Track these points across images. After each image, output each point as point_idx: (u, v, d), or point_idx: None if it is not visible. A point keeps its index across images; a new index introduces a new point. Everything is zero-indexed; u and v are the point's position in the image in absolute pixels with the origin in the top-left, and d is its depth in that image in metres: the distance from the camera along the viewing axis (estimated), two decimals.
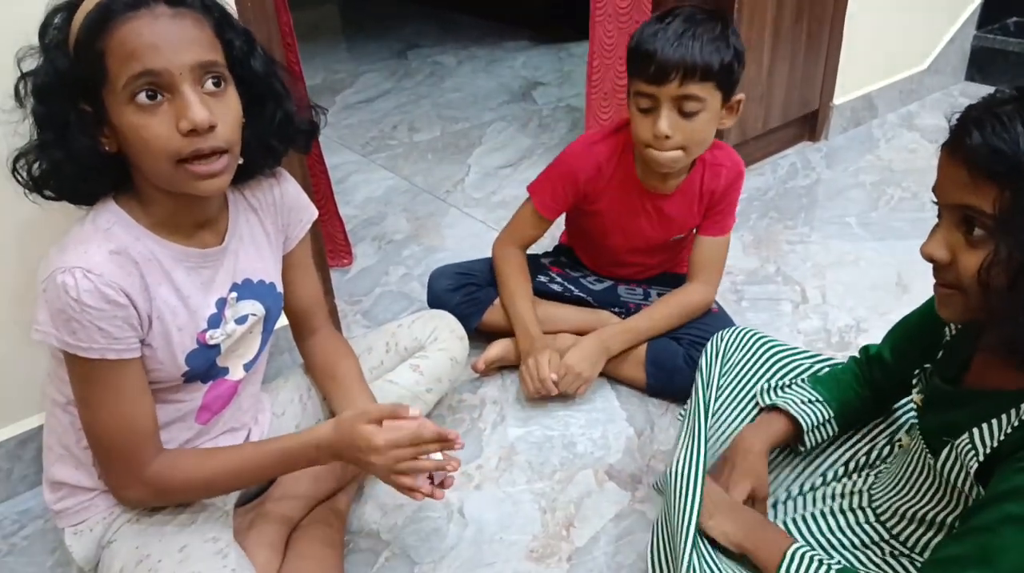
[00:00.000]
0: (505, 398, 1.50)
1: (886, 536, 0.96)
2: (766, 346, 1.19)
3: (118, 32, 0.81)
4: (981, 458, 0.79)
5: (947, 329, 0.94)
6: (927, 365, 0.95)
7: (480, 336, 1.55)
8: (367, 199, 2.30)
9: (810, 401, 1.07)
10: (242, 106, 0.92)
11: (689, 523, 0.89)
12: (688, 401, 1.11)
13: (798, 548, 0.89)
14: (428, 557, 1.18)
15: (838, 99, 2.44)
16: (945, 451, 0.84)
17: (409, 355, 1.32)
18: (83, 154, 0.86)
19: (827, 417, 1.06)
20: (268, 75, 0.95)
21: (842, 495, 1.02)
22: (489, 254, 1.60)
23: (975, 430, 0.80)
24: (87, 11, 0.82)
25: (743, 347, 1.18)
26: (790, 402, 1.07)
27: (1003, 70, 2.80)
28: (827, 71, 2.35)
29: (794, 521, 1.02)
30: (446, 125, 2.79)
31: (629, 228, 1.47)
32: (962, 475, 0.82)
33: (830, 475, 1.08)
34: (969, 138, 0.73)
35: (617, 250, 1.53)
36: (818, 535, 1.00)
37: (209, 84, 0.85)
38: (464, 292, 1.55)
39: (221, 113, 0.86)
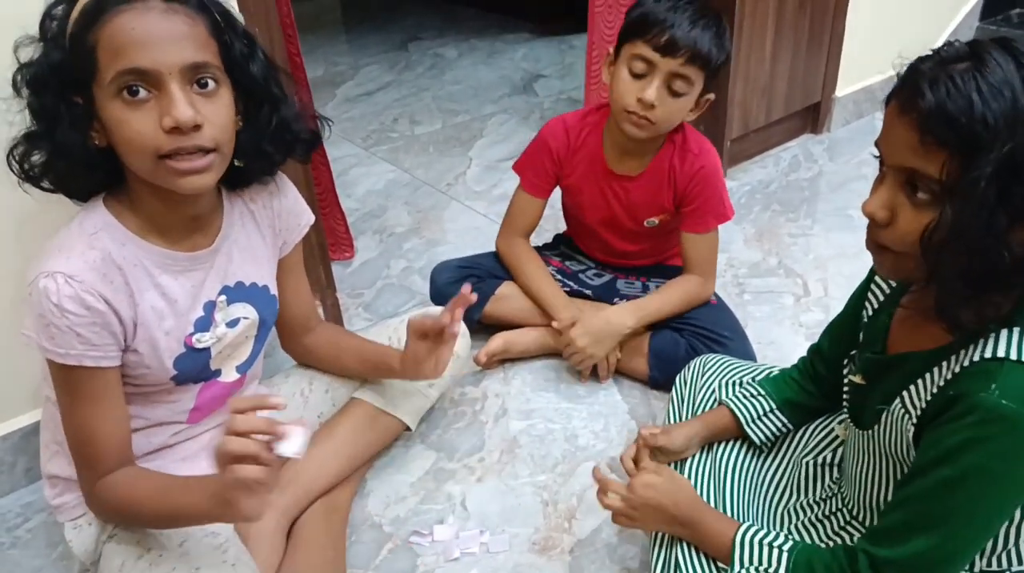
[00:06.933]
0: (507, 391, 1.50)
1: (864, 531, 0.95)
2: (731, 363, 1.23)
3: (109, 25, 0.80)
4: (914, 421, 0.79)
5: (864, 311, 0.95)
6: (853, 351, 0.96)
7: (482, 328, 1.55)
8: (368, 192, 2.30)
9: (752, 396, 1.10)
10: (239, 109, 0.91)
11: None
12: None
13: (744, 533, 0.90)
14: (431, 549, 1.18)
15: (840, 91, 2.43)
16: (882, 418, 0.84)
17: None
18: (73, 149, 0.86)
19: (768, 409, 1.09)
20: (266, 79, 0.93)
21: (817, 502, 1.02)
22: (491, 247, 1.60)
23: (904, 394, 0.81)
24: (84, 3, 0.82)
25: (711, 366, 1.23)
26: (733, 399, 1.11)
27: None
28: (829, 63, 2.34)
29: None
30: (447, 118, 2.78)
31: (601, 209, 1.50)
32: (901, 442, 0.82)
33: (801, 478, 1.09)
34: (922, 99, 0.68)
35: (598, 232, 1.55)
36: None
37: (199, 84, 0.84)
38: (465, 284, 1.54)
39: (209, 113, 0.84)
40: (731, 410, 1.09)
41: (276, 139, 0.98)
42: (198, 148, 0.84)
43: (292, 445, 0.77)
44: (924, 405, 0.78)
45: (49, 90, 0.84)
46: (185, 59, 0.82)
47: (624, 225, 1.50)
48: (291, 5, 1.50)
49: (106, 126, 0.84)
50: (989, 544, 0.80)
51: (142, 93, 0.81)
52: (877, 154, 0.76)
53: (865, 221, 0.78)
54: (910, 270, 0.77)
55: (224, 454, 0.77)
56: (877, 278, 0.95)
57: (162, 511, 0.92)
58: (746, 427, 1.08)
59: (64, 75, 0.83)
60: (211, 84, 0.85)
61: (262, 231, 1.07)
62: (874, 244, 0.78)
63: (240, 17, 0.95)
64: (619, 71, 1.32)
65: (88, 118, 0.85)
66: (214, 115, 0.85)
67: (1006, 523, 0.78)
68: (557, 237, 1.71)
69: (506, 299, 1.55)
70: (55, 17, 0.85)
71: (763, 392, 1.10)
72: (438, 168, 2.42)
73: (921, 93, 0.69)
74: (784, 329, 1.62)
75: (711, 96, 1.36)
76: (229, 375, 1.06)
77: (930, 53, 0.73)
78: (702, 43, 1.25)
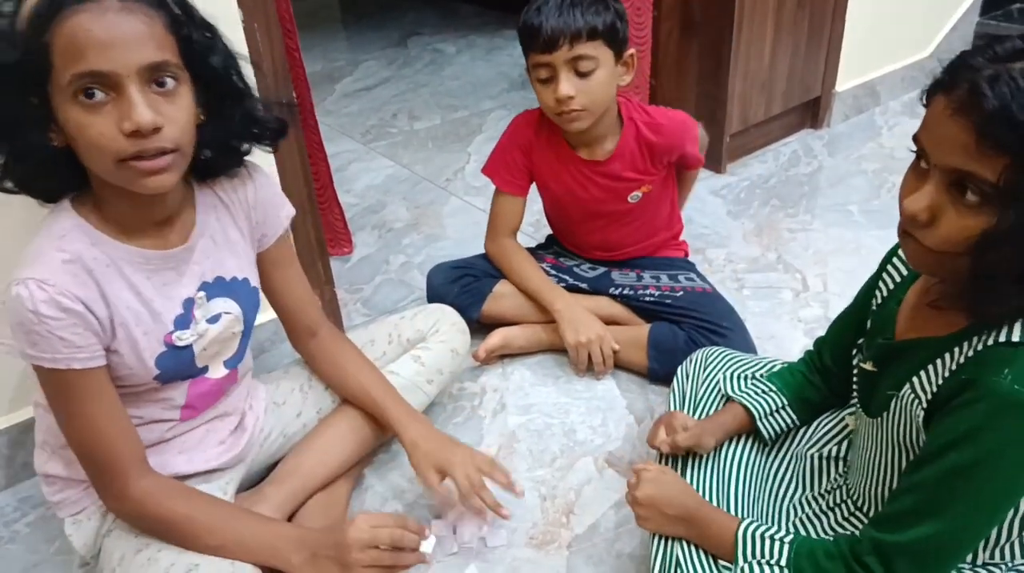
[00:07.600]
0: (505, 386, 1.50)
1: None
2: (732, 356, 1.22)
3: (64, 26, 0.77)
4: (925, 405, 0.78)
5: (873, 300, 0.94)
6: (861, 340, 0.96)
7: (480, 326, 1.55)
8: (367, 187, 2.30)
9: (764, 392, 1.10)
10: (201, 102, 0.89)
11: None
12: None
13: (746, 528, 0.89)
14: (429, 544, 1.18)
15: (840, 86, 2.43)
16: (892, 405, 0.84)
17: (411, 346, 1.32)
18: (31, 150, 0.84)
19: (780, 405, 1.08)
20: (228, 71, 0.91)
21: (821, 495, 1.02)
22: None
23: (915, 379, 0.80)
24: (36, 2, 0.79)
25: (712, 360, 1.22)
26: (744, 395, 1.10)
27: None
28: (829, 58, 2.33)
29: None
30: (446, 113, 2.78)
31: (584, 199, 1.51)
32: (910, 428, 0.81)
33: (807, 471, 1.09)
34: (983, 99, 0.64)
35: (586, 226, 1.56)
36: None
37: (157, 84, 0.82)
38: (462, 284, 1.55)
39: (169, 114, 0.83)
40: (744, 406, 1.08)
41: (241, 130, 0.96)
42: (159, 151, 0.83)
43: (428, 544, 1.07)
44: (935, 389, 0.77)
45: (2, 90, 0.81)
46: (143, 59, 0.80)
47: (609, 208, 1.51)
48: (290, 0, 1.50)
49: (64, 128, 0.82)
50: (992, 535, 0.80)
51: (99, 95, 0.79)
52: (914, 148, 0.73)
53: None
54: (945, 267, 0.74)
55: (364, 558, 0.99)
56: (888, 268, 0.94)
57: (218, 537, 0.96)
58: (759, 422, 1.07)
59: (18, 75, 0.80)
60: (170, 83, 0.83)
61: (238, 223, 1.05)
62: (907, 236, 0.75)
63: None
64: (533, 84, 1.38)
65: (45, 119, 0.83)
66: (174, 114, 0.83)
67: (1010, 514, 0.78)
68: (550, 237, 1.71)
69: (503, 297, 1.55)
70: (5, 14, 0.82)
71: (773, 387, 1.09)
72: (437, 163, 2.42)
73: (981, 93, 0.65)
74: (783, 324, 1.62)
75: (632, 51, 1.38)
76: (217, 371, 1.06)
77: (979, 47, 0.69)
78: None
